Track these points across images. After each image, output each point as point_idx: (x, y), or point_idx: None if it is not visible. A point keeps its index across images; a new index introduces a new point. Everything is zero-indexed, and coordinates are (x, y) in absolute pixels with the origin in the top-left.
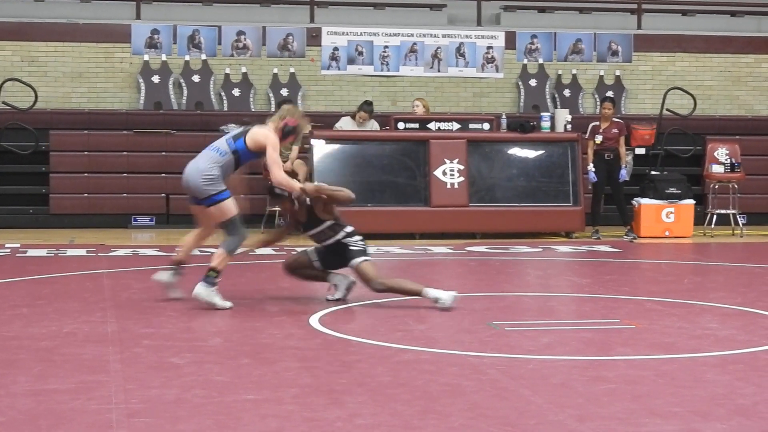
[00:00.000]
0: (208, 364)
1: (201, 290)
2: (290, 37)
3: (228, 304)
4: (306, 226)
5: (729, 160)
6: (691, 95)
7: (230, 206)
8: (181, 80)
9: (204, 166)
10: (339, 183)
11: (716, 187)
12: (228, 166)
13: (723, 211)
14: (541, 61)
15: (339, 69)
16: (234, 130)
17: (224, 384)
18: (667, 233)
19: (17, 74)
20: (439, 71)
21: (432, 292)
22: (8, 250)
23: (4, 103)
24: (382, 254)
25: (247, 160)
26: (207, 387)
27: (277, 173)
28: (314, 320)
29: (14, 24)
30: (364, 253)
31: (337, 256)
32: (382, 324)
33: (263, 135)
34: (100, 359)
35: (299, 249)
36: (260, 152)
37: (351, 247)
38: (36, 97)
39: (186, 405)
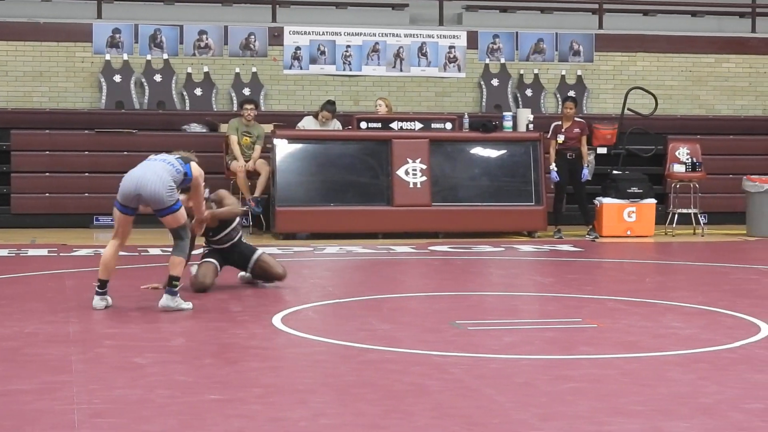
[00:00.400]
0: (171, 364)
1: (168, 302)
2: (252, 37)
3: (189, 304)
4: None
5: (690, 160)
6: (653, 95)
7: (184, 213)
8: (143, 80)
9: (167, 177)
10: (301, 182)
11: (677, 186)
12: (177, 182)
13: (684, 211)
14: (503, 60)
15: (301, 68)
16: (173, 153)
17: (188, 384)
18: (628, 232)
19: None
20: (401, 71)
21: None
22: None
23: None
24: (344, 254)
25: (185, 184)
26: (171, 387)
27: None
28: (277, 320)
29: None
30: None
31: (236, 254)
32: (346, 323)
33: (201, 173)
34: (63, 359)
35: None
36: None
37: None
38: None
39: (150, 405)
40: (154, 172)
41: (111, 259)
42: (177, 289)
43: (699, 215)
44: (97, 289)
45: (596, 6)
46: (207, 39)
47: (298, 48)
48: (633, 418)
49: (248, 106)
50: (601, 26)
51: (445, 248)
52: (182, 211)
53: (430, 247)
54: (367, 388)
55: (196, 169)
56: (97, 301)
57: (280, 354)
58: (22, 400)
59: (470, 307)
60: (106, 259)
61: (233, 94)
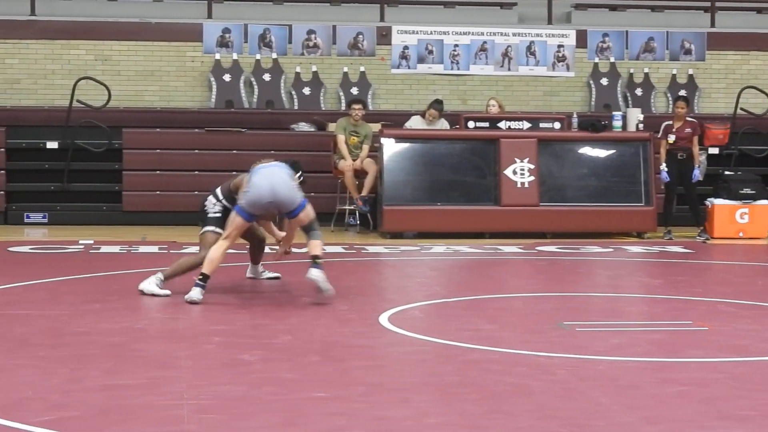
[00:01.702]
0: (277, 362)
1: (318, 276)
2: (360, 36)
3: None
4: None
5: None
6: (766, 94)
7: (311, 207)
8: (252, 79)
9: (290, 180)
10: (408, 181)
11: None
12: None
13: None
14: (612, 59)
15: (409, 68)
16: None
17: (293, 381)
18: (740, 234)
19: (91, 73)
20: (509, 70)
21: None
22: (81, 247)
23: (78, 101)
24: (451, 253)
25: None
26: (276, 384)
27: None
28: (383, 318)
29: (87, 23)
30: None
31: None
32: (450, 323)
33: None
34: (171, 355)
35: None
36: None
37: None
38: (109, 95)
39: (255, 401)
40: (281, 179)
41: (219, 257)
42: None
43: None
44: (198, 281)
45: (708, 4)
46: (315, 38)
47: (406, 47)
48: (740, 423)
49: (356, 106)
50: (713, 24)
51: (552, 248)
52: (309, 206)
53: (537, 248)
54: (470, 388)
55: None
56: (197, 293)
57: (385, 353)
58: (129, 395)
59: (576, 308)
60: (215, 257)
61: (341, 94)
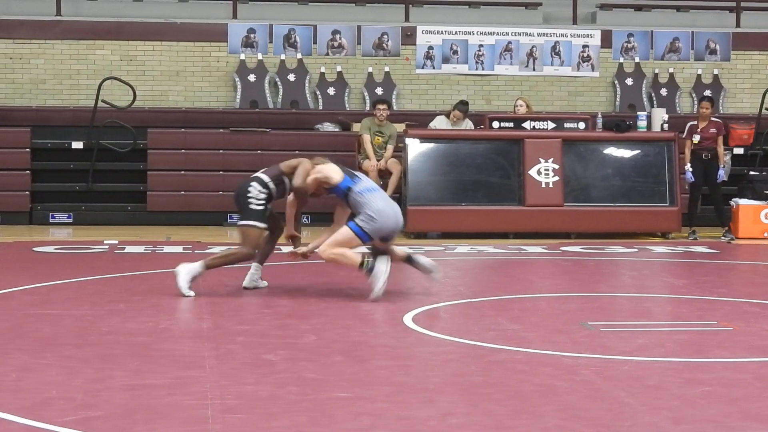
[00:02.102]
0: (301, 362)
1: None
2: (385, 36)
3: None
4: None
5: None
6: None
7: None
8: (277, 79)
9: None
10: (432, 181)
11: None
12: None
13: None
14: (637, 59)
15: (434, 68)
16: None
17: (317, 381)
18: (765, 234)
19: (116, 73)
20: (534, 70)
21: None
22: (106, 247)
23: (103, 101)
24: (475, 253)
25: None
26: (300, 384)
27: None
28: (407, 318)
29: (113, 24)
30: None
31: None
32: (475, 323)
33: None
34: (196, 355)
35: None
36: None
37: None
38: (134, 95)
39: (280, 402)
40: (396, 206)
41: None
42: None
43: None
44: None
45: (734, 4)
46: (340, 39)
47: (430, 47)
48: (766, 424)
49: (381, 107)
50: (738, 24)
51: (577, 249)
52: None
53: (561, 248)
54: (495, 388)
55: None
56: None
57: (409, 353)
58: (155, 395)
59: (601, 309)
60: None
61: (366, 94)
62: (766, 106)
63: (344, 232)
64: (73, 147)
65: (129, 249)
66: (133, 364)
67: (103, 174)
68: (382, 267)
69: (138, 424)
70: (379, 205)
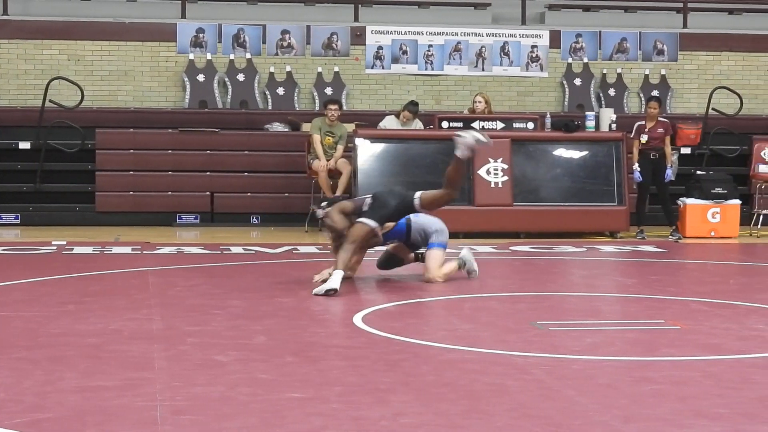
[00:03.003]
0: (253, 362)
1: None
2: (334, 36)
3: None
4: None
5: None
6: (738, 94)
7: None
8: (226, 79)
9: None
10: (382, 181)
11: (763, 187)
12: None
13: None
14: (585, 60)
15: (383, 68)
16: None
17: (269, 382)
18: (712, 233)
19: (64, 73)
20: (483, 70)
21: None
22: (54, 248)
23: (51, 101)
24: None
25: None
26: (252, 385)
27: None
28: (358, 319)
29: (61, 23)
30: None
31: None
32: (426, 323)
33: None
34: (146, 356)
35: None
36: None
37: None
38: (82, 95)
39: (231, 402)
40: None
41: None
42: None
43: None
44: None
45: (681, 5)
46: (290, 38)
47: (380, 47)
48: (716, 421)
49: (332, 107)
50: (685, 25)
51: (526, 248)
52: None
53: (511, 247)
54: (447, 388)
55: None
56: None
57: (361, 353)
58: (105, 396)
59: (551, 308)
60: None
61: (315, 94)
62: (712, 106)
63: (437, 254)
64: (20, 147)
65: (78, 250)
66: (84, 366)
67: (51, 174)
68: (468, 254)
69: (88, 426)
70: (429, 218)
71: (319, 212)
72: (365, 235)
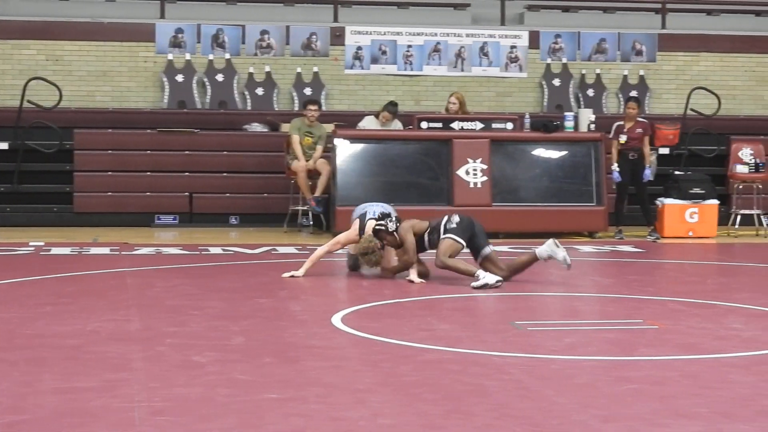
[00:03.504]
0: (231, 363)
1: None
2: (314, 37)
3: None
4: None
5: (753, 161)
6: (716, 95)
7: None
8: (205, 79)
9: None
10: (361, 182)
11: (740, 187)
12: None
13: (747, 212)
14: (564, 60)
15: (362, 68)
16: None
17: (248, 383)
18: (690, 233)
19: (42, 73)
20: (462, 71)
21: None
22: (32, 249)
23: (29, 101)
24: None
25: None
26: (231, 386)
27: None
28: (337, 319)
29: (39, 23)
30: None
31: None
32: (405, 323)
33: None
34: (124, 357)
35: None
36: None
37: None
38: (60, 96)
39: (210, 404)
40: None
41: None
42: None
43: (762, 216)
44: None
45: (659, 5)
46: (269, 39)
47: (359, 48)
48: (694, 421)
49: (312, 107)
50: (664, 26)
51: (505, 248)
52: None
53: None
54: (426, 388)
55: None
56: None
57: (340, 354)
58: (83, 398)
59: (530, 308)
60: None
61: (294, 94)
62: (691, 106)
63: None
64: None
65: (56, 251)
66: (61, 367)
67: (28, 175)
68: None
69: (66, 427)
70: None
71: (391, 225)
72: (456, 252)
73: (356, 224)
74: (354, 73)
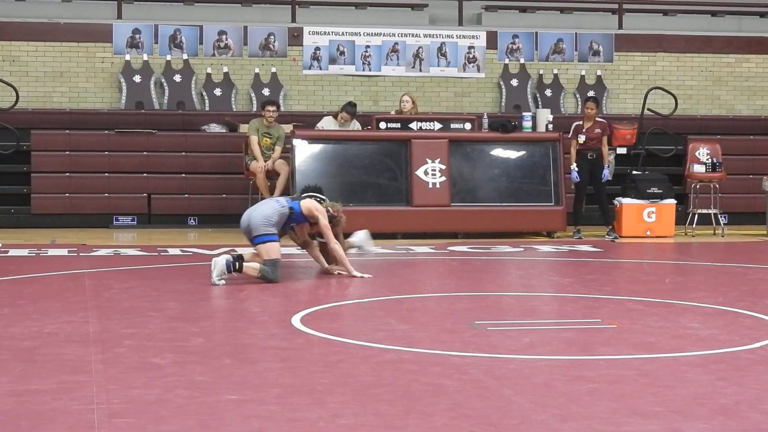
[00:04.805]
0: (190, 365)
1: (221, 262)
2: (272, 37)
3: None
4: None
5: (710, 160)
6: (673, 95)
7: (274, 248)
8: (163, 80)
9: (267, 212)
10: (320, 182)
11: (697, 186)
12: (282, 218)
13: (704, 211)
14: (522, 60)
15: (320, 69)
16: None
17: (206, 384)
18: (648, 233)
19: None
20: (420, 71)
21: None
22: None
23: None
24: (363, 254)
25: (297, 220)
26: (189, 387)
27: (332, 237)
28: (296, 320)
29: None
30: None
31: None
32: (363, 324)
33: (315, 208)
34: (82, 359)
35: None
36: (310, 218)
37: None
38: (17, 96)
39: (168, 405)
40: (258, 208)
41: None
42: (231, 270)
43: (719, 215)
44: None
45: (616, 6)
46: (227, 39)
47: (317, 48)
48: (651, 419)
49: (270, 108)
50: (620, 26)
51: (464, 248)
52: (273, 246)
53: (449, 248)
54: (385, 389)
55: (307, 206)
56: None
57: (298, 354)
58: (40, 400)
59: (489, 308)
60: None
61: (253, 95)
62: (647, 106)
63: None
64: None
65: (13, 252)
66: (18, 369)
67: None
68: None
69: (23, 430)
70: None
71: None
72: None
73: (311, 203)
74: (312, 73)
